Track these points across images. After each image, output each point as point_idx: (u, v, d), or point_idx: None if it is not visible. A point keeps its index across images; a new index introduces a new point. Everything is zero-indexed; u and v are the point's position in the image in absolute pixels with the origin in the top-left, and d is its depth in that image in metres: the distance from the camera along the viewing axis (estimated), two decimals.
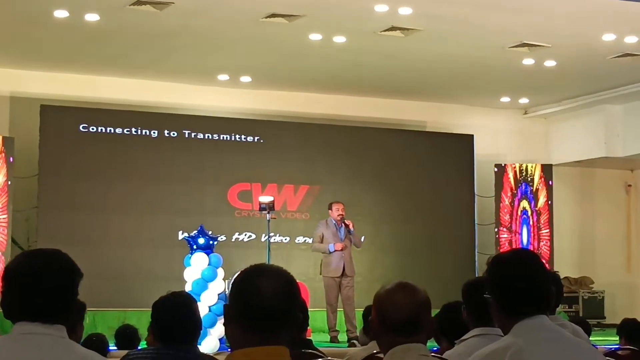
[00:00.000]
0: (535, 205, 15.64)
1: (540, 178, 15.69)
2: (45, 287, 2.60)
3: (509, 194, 15.61)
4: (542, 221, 15.62)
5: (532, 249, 15.24)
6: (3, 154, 12.71)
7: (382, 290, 3.00)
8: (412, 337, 2.94)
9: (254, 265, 2.45)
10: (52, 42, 12.13)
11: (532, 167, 15.72)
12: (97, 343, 6.50)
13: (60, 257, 2.68)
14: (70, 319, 2.65)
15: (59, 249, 2.75)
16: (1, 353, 2.56)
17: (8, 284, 2.64)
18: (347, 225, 11.59)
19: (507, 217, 15.55)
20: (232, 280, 2.47)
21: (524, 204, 15.63)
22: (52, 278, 2.61)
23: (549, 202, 15.64)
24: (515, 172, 15.63)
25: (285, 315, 2.37)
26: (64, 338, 2.61)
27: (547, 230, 15.60)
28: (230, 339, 2.40)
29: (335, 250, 11.45)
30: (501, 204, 15.56)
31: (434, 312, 4.63)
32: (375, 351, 4.91)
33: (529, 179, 15.67)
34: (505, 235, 15.47)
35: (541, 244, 15.56)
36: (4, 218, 12.64)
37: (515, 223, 15.56)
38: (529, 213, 15.61)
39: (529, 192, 15.66)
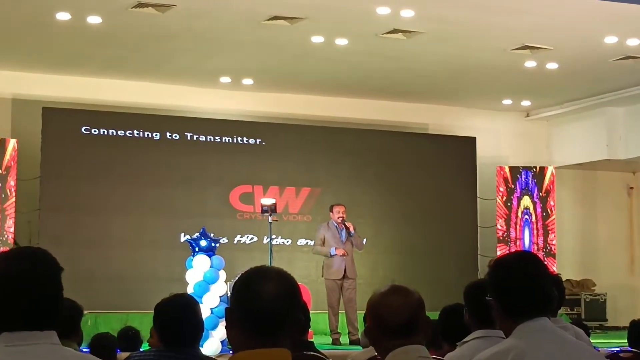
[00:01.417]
0: (540, 190, 15.57)
1: (541, 172, 15.70)
2: (32, 292, 2.35)
3: (502, 188, 15.54)
4: (549, 207, 15.54)
5: (535, 249, 15.23)
6: (16, 157, 12.77)
7: (376, 296, 3.02)
8: (410, 339, 2.95)
9: (254, 268, 2.43)
10: (54, 44, 12.15)
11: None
12: (106, 342, 6.53)
13: (44, 256, 2.44)
14: (57, 321, 2.41)
15: (61, 251, 2.60)
16: None
17: None
18: (347, 228, 11.58)
19: (502, 223, 15.49)
20: (233, 284, 2.46)
21: (525, 201, 15.55)
22: (38, 282, 2.37)
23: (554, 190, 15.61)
24: (511, 168, 15.63)
25: (287, 317, 2.37)
26: (56, 344, 2.38)
27: (554, 217, 15.53)
28: (233, 342, 2.40)
29: (335, 255, 11.46)
30: (497, 205, 15.53)
31: (436, 313, 4.64)
32: (376, 354, 4.90)
33: (532, 168, 15.66)
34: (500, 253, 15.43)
35: (549, 237, 15.47)
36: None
37: (515, 229, 15.49)
38: (531, 209, 15.54)
39: (530, 178, 15.58)
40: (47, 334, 2.38)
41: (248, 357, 2.33)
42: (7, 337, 2.35)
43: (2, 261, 2.43)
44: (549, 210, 15.57)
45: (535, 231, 15.52)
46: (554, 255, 15.36)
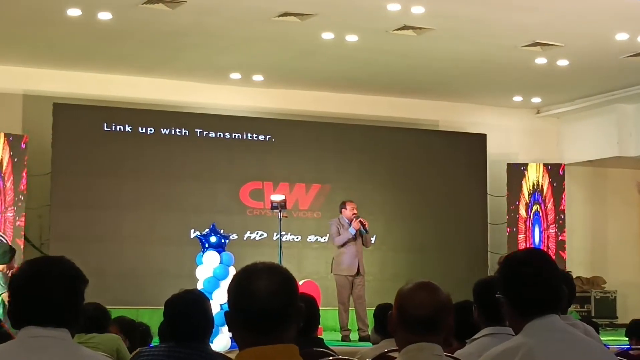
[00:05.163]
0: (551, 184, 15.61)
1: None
2: (47, 291, 2.64)
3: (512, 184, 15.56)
4: (557, 197, 15.55)
5: (546, 238, 15.23)
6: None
7: (406, 287, 3.03)
8: (428, 336, 2.95)
9: (243, 268, 2.41)
10: (64, 40, 12.17)
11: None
12: (142, 332, 6.65)
13: (63, 262, 2.74)
14: (75, 323, 2.70)
15: (71, 247, 2.80)
16: (5, 357, 2.62)
17: (13, 292, 2.71)
18: (363, 225, 11.53)
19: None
20: (227, 287, 2.44)
21: (531, 174, 15.52)
22: (53, 282, 2.66)
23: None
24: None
25: (284, 311, 2.35)
26: (65, 340, 2.65)
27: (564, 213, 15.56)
28: (238, 344, 2.39)
29: (355, 230, 11.41)
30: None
31: None
32: (386, 350, 4.91)
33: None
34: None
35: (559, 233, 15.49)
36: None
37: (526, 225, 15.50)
38: (540, 186, 15.52)
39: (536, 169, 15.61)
40: (59, 331, 2.64)
41: (255, 353, 2.33)
42: (24, 332, 2.66)
43: (25, 264, 2.76)
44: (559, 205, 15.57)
45: (544, 216, 15.47)
46: (563, 249, 15.35)
